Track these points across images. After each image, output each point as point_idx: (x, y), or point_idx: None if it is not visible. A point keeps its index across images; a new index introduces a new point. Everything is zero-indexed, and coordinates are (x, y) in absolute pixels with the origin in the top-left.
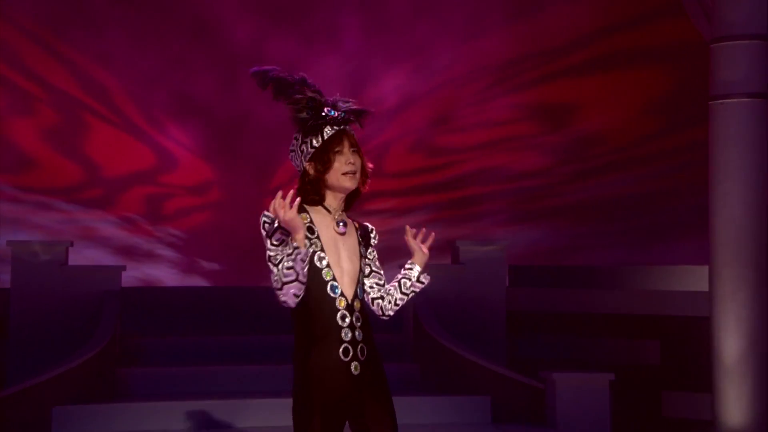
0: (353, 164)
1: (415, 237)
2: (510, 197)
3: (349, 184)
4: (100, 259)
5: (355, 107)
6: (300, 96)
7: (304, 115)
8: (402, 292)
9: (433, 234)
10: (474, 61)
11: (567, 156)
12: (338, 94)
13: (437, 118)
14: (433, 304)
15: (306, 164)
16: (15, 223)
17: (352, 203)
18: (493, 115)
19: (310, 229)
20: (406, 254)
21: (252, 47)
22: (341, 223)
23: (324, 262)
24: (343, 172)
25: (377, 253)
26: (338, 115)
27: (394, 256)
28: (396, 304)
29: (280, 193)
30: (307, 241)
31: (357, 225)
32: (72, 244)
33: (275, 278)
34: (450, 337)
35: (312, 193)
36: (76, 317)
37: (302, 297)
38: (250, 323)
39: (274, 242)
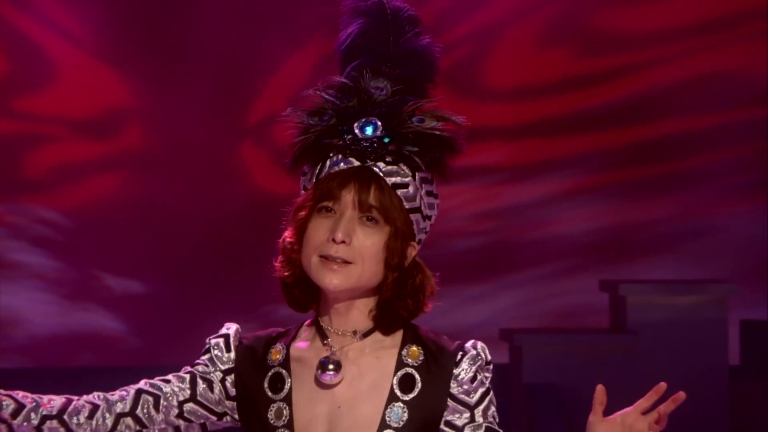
0: (342, 242)
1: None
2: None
3: (326, 281)
4: None
5: (436, 131)
6: (320, 94)
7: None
8: None
9: (682, 395)
10: None
11: None
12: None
13: None
14: (571, 415)
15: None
16: None
17: (392, 317)
18: None
19: (277, 377)
20: (522, 265)
21: None
22: (331, 365)
23: None
24: (320, 253)
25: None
26: (372, 142)
27: (502, 261)
28: None
29: None
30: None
31: (411, 353)
32: None
33: None
34: None
35: (292, 285)
36: None
37: None
38: None
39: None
